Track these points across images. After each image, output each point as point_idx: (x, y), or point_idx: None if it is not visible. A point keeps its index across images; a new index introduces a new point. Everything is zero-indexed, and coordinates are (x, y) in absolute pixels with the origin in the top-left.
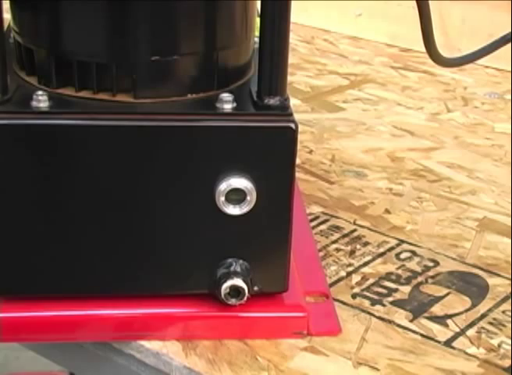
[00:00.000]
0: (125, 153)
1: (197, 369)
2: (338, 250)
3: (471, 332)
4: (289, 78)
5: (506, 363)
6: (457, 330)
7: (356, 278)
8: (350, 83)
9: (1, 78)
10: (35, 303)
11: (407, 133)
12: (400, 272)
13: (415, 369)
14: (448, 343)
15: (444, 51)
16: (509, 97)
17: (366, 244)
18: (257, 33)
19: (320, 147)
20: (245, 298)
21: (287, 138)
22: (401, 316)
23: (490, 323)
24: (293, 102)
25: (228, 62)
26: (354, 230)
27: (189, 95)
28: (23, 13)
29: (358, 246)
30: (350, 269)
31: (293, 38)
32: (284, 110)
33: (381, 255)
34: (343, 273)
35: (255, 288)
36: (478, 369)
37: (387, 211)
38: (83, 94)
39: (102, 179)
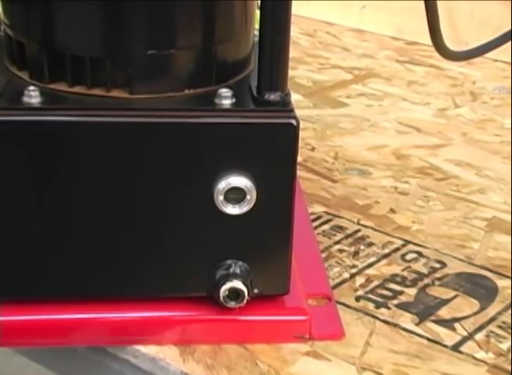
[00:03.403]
0: (119, 151)
1: None
2: (341, 251)
3: (479, 336)
4: (291, 73)
5: None
6: (465, 333)
7: (360, 280)
8: (353, 77)
9: None
10: (27, 307)
11: (413, 129)
12: (405, 273)
13: (421, 374)
14: (455, 347)
15: (451, 45)
16: None
17: (370, 244)
18: (257, 25)
19: (322, 144)
20: (245, 301)
21: (288, 135)
22: (407, 320)
23: (499, 327)
24: (295, 98)
25: (227, 56)
26: (358, 231)
27: (186, 91)
28: (13, 5)
29: (362, 247)
30: (354, 270)
31: (295, 31)
32: (285, 106)
33: (386, 256)
34: (346, 275)
35: (255, 291)
36: None
37: (392, 210)
38: (76, 89)
39: (96, 177)
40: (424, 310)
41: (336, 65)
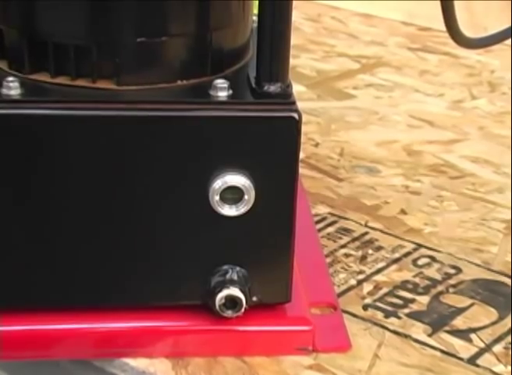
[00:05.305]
0: (106, 147)
1: None
2: (347, 255)
3: (497, 348)
4: (292, 61)
5: None
6: (482, 345)
7: (367, 287)
8: (361, 66)
9: None
10: (6, 316)
11: (426, 123)
12: (417, 280)
13: None
14: (472, 360)
15: (468, 31)
16: None
17: (379, 248)
18: (255, 10)
19: (327, 139)
20: (242, 310)
21: (289, 130)
22: (419, 330)
23: None
24: (297, 89)
25: (223, 44)
26: (366, 233)
27: (179, 81)
28: None
29: (370, 251)
30: (361, 276)
31: (297, 16)
32: (286, 98)
33: (396, 261)
34: (353, 282)
35: (254, 299)
36: None
37: (403, 211)
38: (59, 80)
39: (82, 175)
40: (438, 320)
41: (342, 53)
